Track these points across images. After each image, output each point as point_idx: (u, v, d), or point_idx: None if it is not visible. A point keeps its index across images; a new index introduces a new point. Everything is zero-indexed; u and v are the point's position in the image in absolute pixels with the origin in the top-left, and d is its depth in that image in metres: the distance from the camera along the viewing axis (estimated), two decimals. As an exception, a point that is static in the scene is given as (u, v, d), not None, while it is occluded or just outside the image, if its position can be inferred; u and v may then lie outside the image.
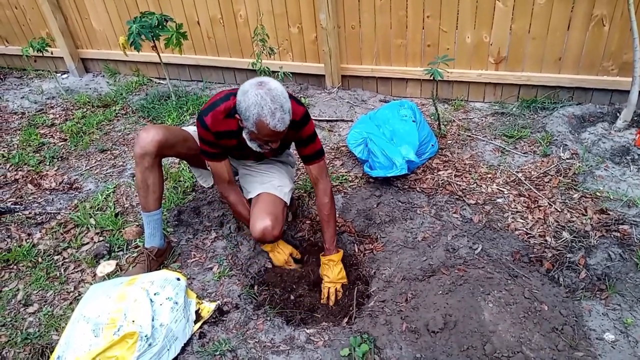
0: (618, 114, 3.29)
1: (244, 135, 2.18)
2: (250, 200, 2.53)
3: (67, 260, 2.75)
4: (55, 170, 3.63)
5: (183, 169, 3.40)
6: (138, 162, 2.37)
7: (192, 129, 2.54)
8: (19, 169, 3.66)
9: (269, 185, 2.51)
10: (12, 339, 2.28)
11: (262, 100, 1.96)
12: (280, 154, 2.69)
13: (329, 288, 2.45)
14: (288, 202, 2.55)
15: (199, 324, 2.23)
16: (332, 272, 2.45)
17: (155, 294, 2.15)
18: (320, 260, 2.52)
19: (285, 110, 2.00)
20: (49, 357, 2.12)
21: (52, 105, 4.71)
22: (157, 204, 2.50)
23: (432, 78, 3.19)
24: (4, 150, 3.93)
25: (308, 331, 2.20)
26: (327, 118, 3.93)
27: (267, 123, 1.98)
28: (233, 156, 2.55)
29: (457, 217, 2.74)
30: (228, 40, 4.51)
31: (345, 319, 2.32)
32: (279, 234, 2.40)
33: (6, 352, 2.22)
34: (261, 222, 2.34)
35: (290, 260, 2.61)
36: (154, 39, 3.87)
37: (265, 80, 2.02)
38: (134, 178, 3.28)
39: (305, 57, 4.33)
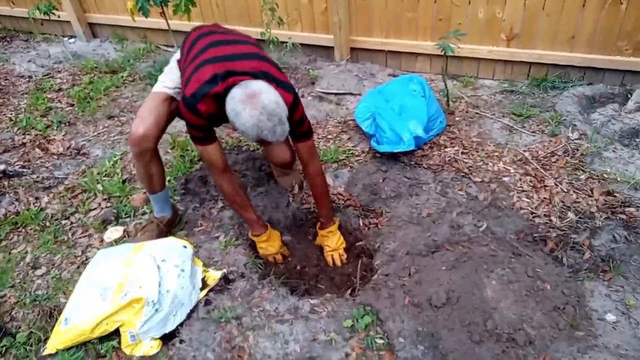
0: (629, 96, 3.27)
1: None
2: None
3: (74, 225, 2.77)
4: (63, 135, 3.63)
5: (190, 137, 3.40)
6: (138, 159, 2.35)
7: (161, 86, 2.41)
8: (27, 132, 3.67)
9: None
10: (21, 300, 2.33)
11: (259, 122, 1.86)
12: None
13: (332, 255, 2.50)
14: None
15: (204, 292, 2.26)
16: (332, 241, 2.50)
17: (162, 261, 2.17)
18: (319, 233, 2.55)
19: (284, 122, 1.93)
20: (56, 319, 2.16)
21: (60, 69, 4.69)
22: (162, 185, 2.52)
23: (442, 53, 3.15)
24: (11, 114, 3.93)
25: (312, 301, 2.24)
26: (334, 91, 3.90)
27: (269, 139, 1.93)
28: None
29: (462, 195, 2.75)
30: (237, 9, 4.45)
31: (349, 291, 2.35)
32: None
33: (15, 313, 2.27)
34: (283, 156, 2.44)
35: (283, 246, 2.54)
36: (162, 4, 3.82)
37: (254, 90, 1.89)
38: (134, 166, 3.24)
39: (314, 28, 4.27)
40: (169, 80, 2.39)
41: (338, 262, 2.50)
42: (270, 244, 2.48)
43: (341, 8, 3.93)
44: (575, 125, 3.18)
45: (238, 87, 1.92)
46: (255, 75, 1.99)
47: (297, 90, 3.88)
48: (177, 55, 2.41)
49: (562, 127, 3.19)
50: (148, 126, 2.26)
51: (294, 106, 2.13)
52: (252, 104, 1.86)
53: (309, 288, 2.40)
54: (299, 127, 2.22)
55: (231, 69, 1.99)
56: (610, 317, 2.05)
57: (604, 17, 3.32)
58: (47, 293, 2.37)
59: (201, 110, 2.01)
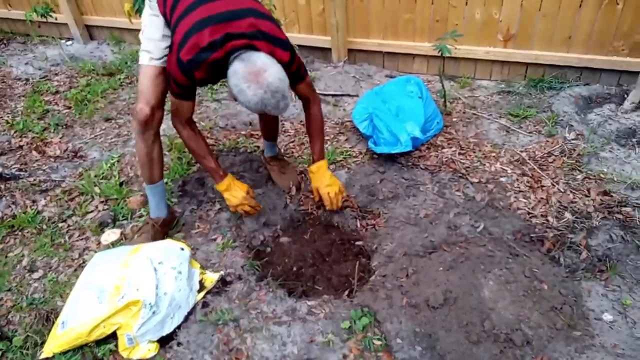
0: (625, 96, 3.27)
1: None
2: None
3: (71, 227, 2.77)
4: (60, 138, 3.63)
5: (187, 139, 3.39)
6: (142, 140, 2.36)
7: (147, 58, 2.30)
8: (24, 135, 3.67)
9: None
10: (18, 303, 2.32)
11: (263, 100, 1.90)
12: None
13: (329, 192, 2.49)
14: None
15: (202, 294, 2.26)
16: (325, 179, 2.51)
17: (159, 263, 2.17)
18: (310, 172, 2.56)
19: (286, 96, 1.96)
20: (53, 322, 2.15)
21: (57, 72, 4.69)
22: (161, 175, 2.52)
23: (439, 54, 3.16)
24: (8, 117, 3.93)
25: (309, 303, 2.23)
26: (332, 92, 3.90)
27: (272, 113, 2.00)
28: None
29: (459, 195, 2.75)
30: (234, 11, 4.44)
31: (346, 292, 2.34)
32: None
33: (12, 316, 2.26)
34: None
35: (248, 197, 2.49)
36: (160, 7, 3.82)
37: (257, 67, 1.89)
38: (131, 167, 3.26)
39: (312, 29, 4.28)
40: (153, 47, 2.29)
41: (334, 201, 2.48)
42: (231, 194, 2.44)
43: (338, 9, 3.94)
44: (572, 125, 3.19)
45: (240, 62, 1.92)
46: (253, 37, 1.99)
47: (292, 93, 3.90)
48: (150, 4, 2.29)
49: (558, 128, 3.20)
50: (154, 106, 2.28)
51: (291, 61, 2.16)
52: (257, 83, 1.88)
53: (307, 289, 2.40)
54: (296, 74, 2.26)
55: (229, 31, 1.96)
56: (607, 316, 2.06)
57: (600, 17, 3.32)
58: (43, 296, 2.36)
59: (197, 76, 2.05)
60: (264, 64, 1.92)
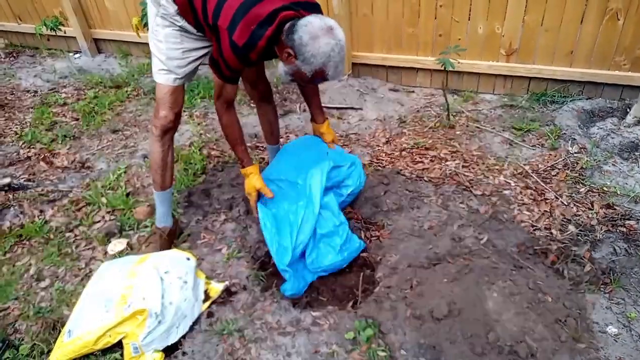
0: (628, 110, 3.29)
1: (285, 67, 2.06)
2: None
3: (78, 237, 2.79)
4: (67, 149, 3.67)
5: (194, 151, 3.43)
6: (159, 143, 2.41)
7: (171, 79, 2.34)
8: (32, 146, 3.71)
9: None
10: (25, 312, 2.34)
11: (332, 52, 1.91)
12: None
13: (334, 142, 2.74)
14: None
15: (207, 304, 2.27)
16: (331, 134, 2.72)
17: (165, 273, 2.19)
18: (319, 131, 2.71)
19: (344, 62, 2.00)
20: (60, 331, 2.17)
21: (65, 84, 4.75)
22: (171, 182, 2.55)
23: (443, 68, 3.19)
24: (17, 128, 3.97)
25: (314, 314, 2.24)
26: (337, 105, 3.94)
27: (327, 74, 1.98)
28: None
29: (463, 208, 2.76)
30: (240, 25, 4.50)
31: (351, 304, 2.35)
32: None
33: (19, 325, 2.28)
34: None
35: (257, 193, 2.45)
36: (167, 21, 3.87)
37: (333, 25, 1.94)
38: (146, 158, 3.33)
39: (316, 43, 4.32)
40: (175, 67, 2.31)
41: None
42: (249, 181, 2.43)
43: (343, 23, 3.98)
44: (574, 139, 3.21)
45: (314, 17, 1.94)
46: (297, 6, 2.03)
47: (299, 105, 3.94)
48: (164, 9, 2.20)
49: (561, 141, 3.22)
50: (177, 112, 2.39)
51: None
52: (331, 35, 1.91)
53: (311, 300, 2.40)
54: None
55: (275, 7, 1.97)
56: (612, 329, 2.06)
57: (601, 32, 3.36)
58: (50, 305, 2.38)
59: (252, 58, 2.05)
60: (334, 23, 1.97)
